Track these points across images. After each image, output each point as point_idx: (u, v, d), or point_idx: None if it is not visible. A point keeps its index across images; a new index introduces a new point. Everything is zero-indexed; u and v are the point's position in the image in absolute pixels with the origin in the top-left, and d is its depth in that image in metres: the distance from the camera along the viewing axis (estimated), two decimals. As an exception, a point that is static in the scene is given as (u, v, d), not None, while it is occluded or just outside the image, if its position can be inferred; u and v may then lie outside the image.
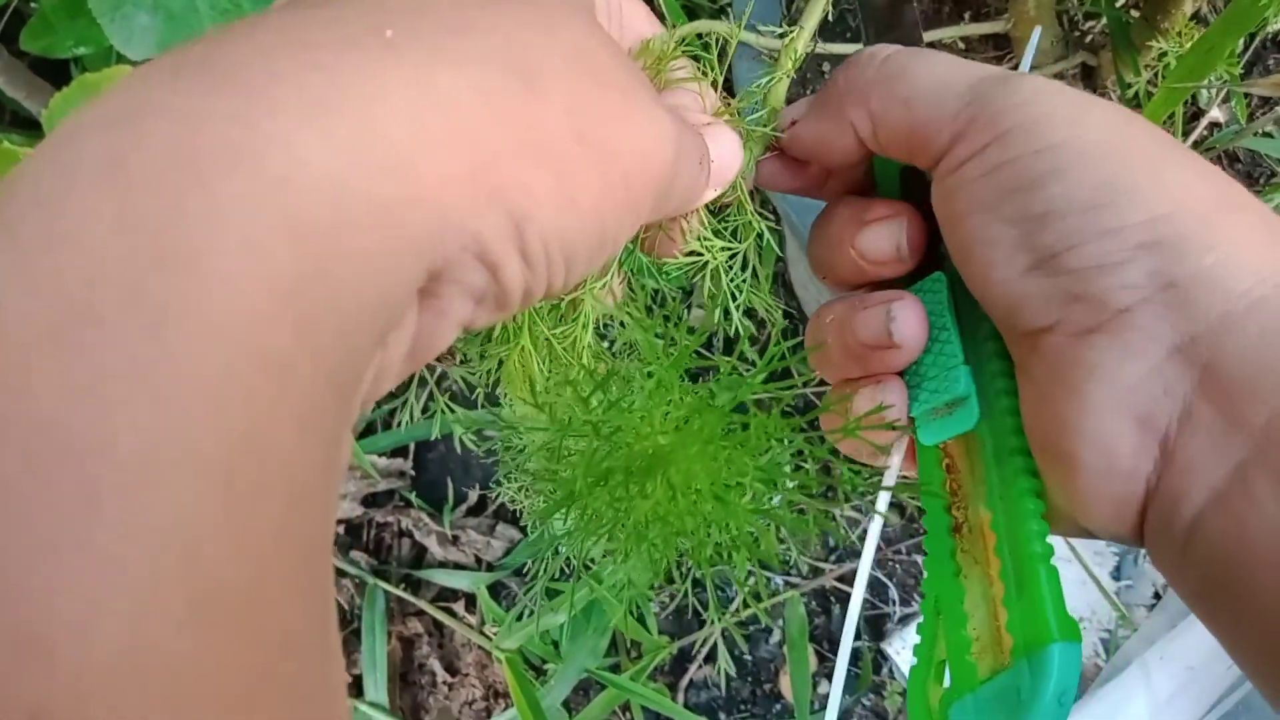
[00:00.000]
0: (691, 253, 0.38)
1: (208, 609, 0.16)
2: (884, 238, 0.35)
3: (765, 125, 0.38)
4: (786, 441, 0.29)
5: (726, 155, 0.34)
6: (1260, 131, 0.60)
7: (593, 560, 0.40)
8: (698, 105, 0.36)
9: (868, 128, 0.34)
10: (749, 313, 0.41)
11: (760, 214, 0.40)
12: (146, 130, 0.18)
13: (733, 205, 0.40)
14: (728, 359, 0.33)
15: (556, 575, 0.91)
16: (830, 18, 0.73)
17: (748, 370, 0.32)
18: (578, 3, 0.27)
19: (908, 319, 0.33)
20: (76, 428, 0.16)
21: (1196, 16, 0.56)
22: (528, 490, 0.42)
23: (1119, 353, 0.27)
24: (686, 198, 0.32)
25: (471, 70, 0.22)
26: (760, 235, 0.41)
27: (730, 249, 0.40)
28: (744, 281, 0.41)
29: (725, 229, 0.40)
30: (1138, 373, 0.27)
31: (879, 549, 0.93)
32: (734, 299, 0.40)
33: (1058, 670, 0.27)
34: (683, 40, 0.37)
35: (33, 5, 0.95)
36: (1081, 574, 0.86)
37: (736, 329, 0.39)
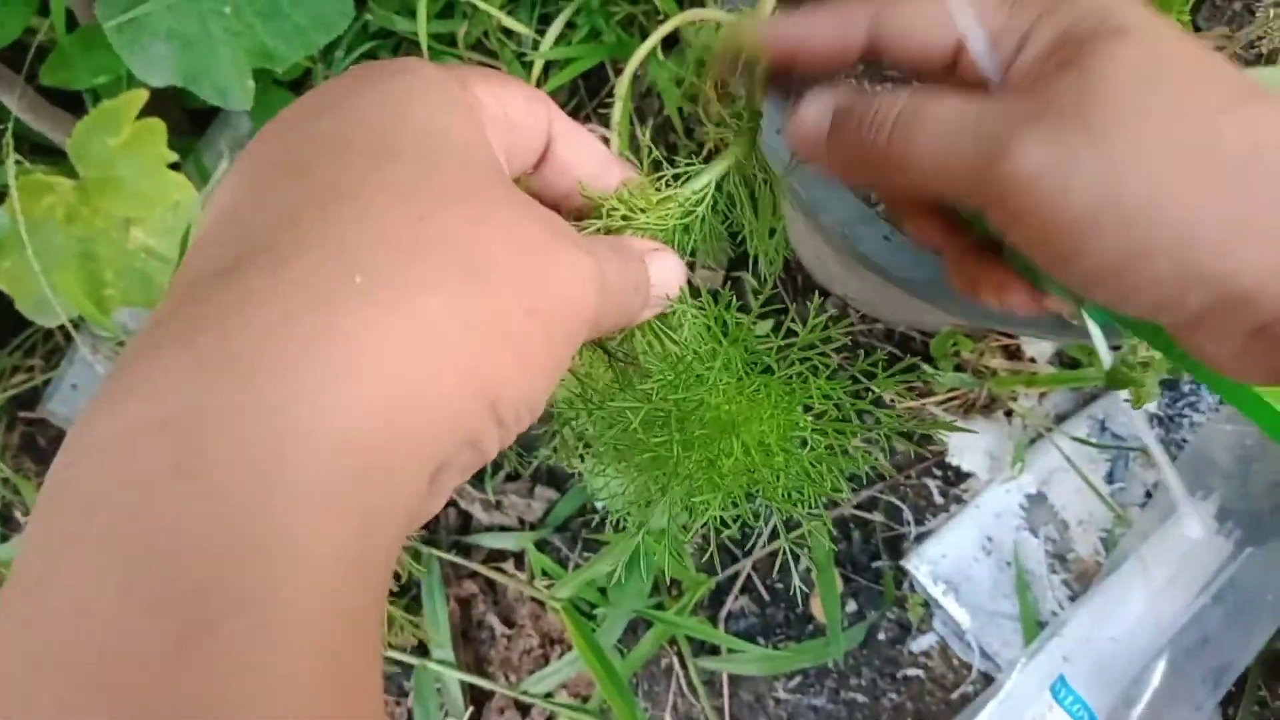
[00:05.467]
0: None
1: None
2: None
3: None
4: (839, 400, 0.36)
5: (667, 277, 0.37)
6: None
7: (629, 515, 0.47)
8: (646, 244, 0.38)
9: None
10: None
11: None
12: (203, 432, 0.21)
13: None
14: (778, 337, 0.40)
15: (598, 527, 0.99)
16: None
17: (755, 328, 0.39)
18: (495, 175, 0.30)
19: None
20: None
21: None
22: (588, 455, 0.49)
23: None
24: (622, 321, 0.36)
25: (440, 288, 0.25)
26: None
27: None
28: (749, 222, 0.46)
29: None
30: None
31: (891, 477, 1.01)
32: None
33: None
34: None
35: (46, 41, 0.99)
36: (1078, 481, 0.94)
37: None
